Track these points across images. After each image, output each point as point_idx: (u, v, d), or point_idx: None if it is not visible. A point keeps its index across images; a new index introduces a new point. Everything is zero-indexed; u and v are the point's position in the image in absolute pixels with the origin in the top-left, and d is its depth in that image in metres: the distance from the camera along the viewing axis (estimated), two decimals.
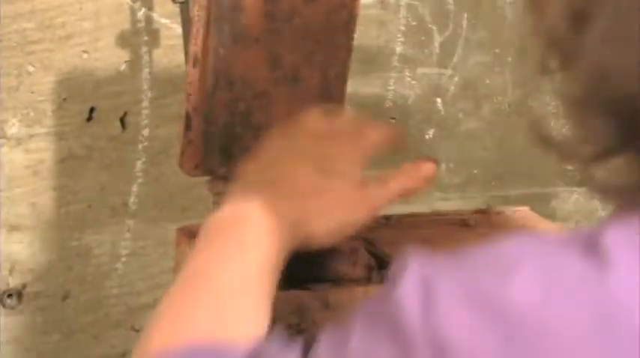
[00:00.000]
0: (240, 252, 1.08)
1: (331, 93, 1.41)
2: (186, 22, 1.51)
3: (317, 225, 1.10)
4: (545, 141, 0.83)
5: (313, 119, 1.16)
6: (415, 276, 0.76)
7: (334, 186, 1.10)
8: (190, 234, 1.33)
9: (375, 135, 1.16)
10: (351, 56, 1.35)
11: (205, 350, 0.99)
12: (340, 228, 1.11)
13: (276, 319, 1.15)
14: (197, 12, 1.25)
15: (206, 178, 1.42)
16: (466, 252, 0.80)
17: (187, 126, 1.30)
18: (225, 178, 1.39)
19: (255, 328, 1.05)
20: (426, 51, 2.03)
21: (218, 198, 1.40)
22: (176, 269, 1.35)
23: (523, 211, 1.37)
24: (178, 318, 1.04)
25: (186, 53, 1.43)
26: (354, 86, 1.98)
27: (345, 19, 1.30)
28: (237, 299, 1.05)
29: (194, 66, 1.29)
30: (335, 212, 1.11)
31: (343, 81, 1.40)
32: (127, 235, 1.86)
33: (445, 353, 0.73)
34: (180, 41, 1.80)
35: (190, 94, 1.29)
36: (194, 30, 1.28)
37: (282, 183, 1.11)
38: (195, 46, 1.28)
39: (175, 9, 1.77)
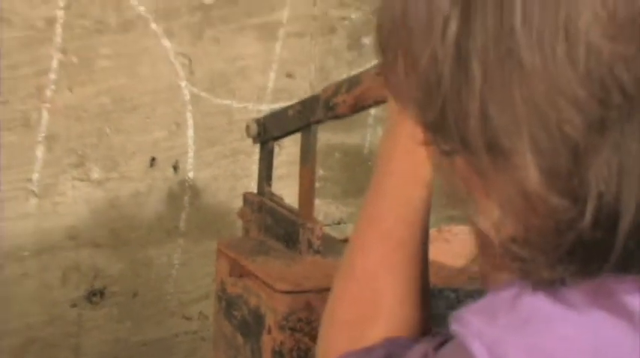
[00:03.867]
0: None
1: None
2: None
3: None
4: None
5: None
6: (480, 342, 0.67)
7: None
8: (225, 252, 1.35)
9: None
10: None
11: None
12: None
13: (290, 313, 1.20)
14: None
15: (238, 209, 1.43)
16: (499, 303, 0.69)
17: None
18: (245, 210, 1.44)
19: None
20: None
21: (246, 224, 1.42)
22: (216, 276, 1.38)
23: (459, 229, 1.33)
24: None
25: None
26: None
27: None
28: None
29: None
30: None
31: None
32: (179, 250, 1.87)
33: None
34: (215, 109, 1.84)
35: None
36: None
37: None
38: None
39: (212, 85, 1.83)
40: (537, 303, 0.67)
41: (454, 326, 0.69)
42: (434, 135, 0.69)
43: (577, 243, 0.65)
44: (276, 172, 1.43)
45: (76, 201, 1.75)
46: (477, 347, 0.65)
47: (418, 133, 0.80)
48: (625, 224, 0.64)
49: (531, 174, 0.63)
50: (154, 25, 1.73)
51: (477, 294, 1.20)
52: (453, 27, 0.64)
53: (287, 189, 1.44)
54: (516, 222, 0.66)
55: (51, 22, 1.64)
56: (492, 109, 0.64)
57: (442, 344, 0.75)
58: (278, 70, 1.86)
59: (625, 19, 0.61)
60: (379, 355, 0.83)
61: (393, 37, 0.70)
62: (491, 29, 0.63)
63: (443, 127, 0.67)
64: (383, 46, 0.72)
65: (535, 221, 0.65)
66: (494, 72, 0.63)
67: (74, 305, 1.79)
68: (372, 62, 1.74)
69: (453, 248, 1.17)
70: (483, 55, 0.64)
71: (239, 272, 1.29)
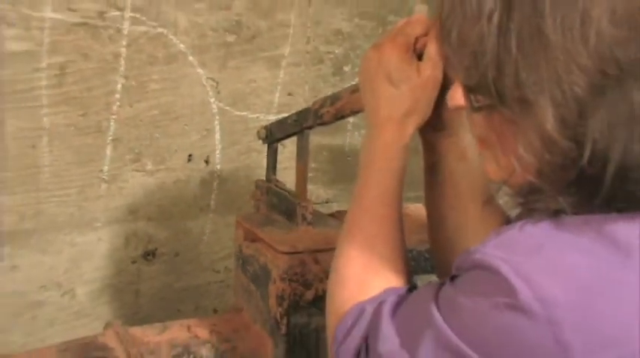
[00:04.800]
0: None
1: None
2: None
3: (413, 121, 0.85)
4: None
5: (370, 49, 0.88)
6: (507, 266, 0.64)
7: (402, 88, 0.85)
8: (242, 223, 1.34)
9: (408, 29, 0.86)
10: None
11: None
12: (427, 107, 0.86)
13: (288, 268, 1.18)
14: None
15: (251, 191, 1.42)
16: (512, 239, 0.67)
17: None
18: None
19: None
20: None
21: (257, 203, 1.41)
22: (235, 240, 1.36)
23: (419, 206, 1.25)
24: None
25: None
26: None
27: None
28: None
29: None
30: (416, 103, 0.85)
31: None
32: (209, 222, 1.87)
33: (551, 307, 0.62)
34: (235, 119, 1.83)
35: None
36: None
37: (379, 109, 0.86)
38: None
39: (233, 101, 1.81)
40: (545, 231, 0.65)
41: (474, 256, 0.67)
42: (476, 95, 0.69)
43: (577, 177, 0.65)
44: (280, 165, 1.42)
45: (134, 186, 1.76)
46: (505, 269, 0.64)
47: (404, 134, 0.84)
48: (612, 165, 0.63)
49: (549, 121, 0.63)
50: (191, 58, 1.73)
51: (425, 253, 1.22)
52: (497, 13, 0.65)
53: (288, 178, 1.43)
54: (534, 158, 0.66)
55: (117, 56, 1.65)
56: (523, 72, 0.64)
57: (453, 278, 0.71)
58: (281, 90, 1.86)
59: (624, 14, 0.62)
60: (392, 299, 0.78)
61: (450, 20, 0.70)
62: (527, 14, 0.63)
63: (485, 87, 0.67)
64: (442, 27, 0.72)
65: (548, 157, 0.65)
66: (527, 45, 0.64)
67: (134, 262, 1.81)
68: (350, 84, 1.70)
69: (408, 220, 1.11)
70: (519, 33, 0.64)
71: (252, 238, 1.29)
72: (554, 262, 0.63)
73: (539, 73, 0.63)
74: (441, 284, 0.72)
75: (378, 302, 0.78)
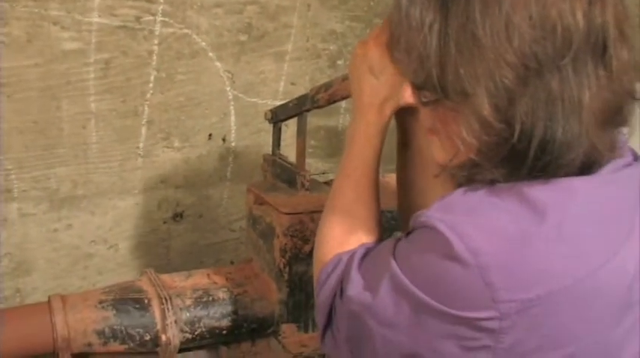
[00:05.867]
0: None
1: None
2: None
3: (390, 105, 0.83)
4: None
5: (356, 47, 0.86)
6: (444, 225, 0.65)
7: (381, 78, 0.83)
8: (252, 189, 1.34)
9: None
10: None
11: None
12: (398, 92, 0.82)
13: (289, 226, 1.18)
14: None
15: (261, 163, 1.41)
16: (451, 203, 0.67)
17: None
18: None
19: None
20: None
21: (264, 173, 1.41)
22: (247, 204, 1.36)
23: (392, 176, 1.19)
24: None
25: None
26: None
27: None
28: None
29: None
30: (392, 91, 0.82)
31: None
32: (226, 189, 1.87)
33: (479, 256, 0.63)
34: (247, 104, 1.82)
35: None
36: None
37: (363, 95, 0.85)
38: None
39: (245, 90, 1.81)
40: (478, 196, 0.66)
41: (421, 218, 0.68)
42: (422, 91, 0.69)
43: (508, 153, 0.65)
44: (283, 142, 1.44)
45: (165, 160, 1.77)
46: (442, 227, 0.65)
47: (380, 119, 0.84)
48: (536, 141, 0.63)
49: (485, 108, 0.63)
50: (210, 54, 1.73)
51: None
52: (437, 23, 0.65)
53: (290, 152, 1.43)
54: (474, 139, 0.66)
55: (150, 53, 1.66)
56: (462, 70, 0.64)
57: (408, 234, 0.71)
58: (285, 80, 1.85)
59: (538, 18, 0.62)
60: (361, 251, 0.78)
61: (398, 30, 0.70)
62: (462, 23, 0.64)
63: (430, 84, 0.67)
64: (392, 36, 0.72)
65: (485, 138, 0.65)
66: (464, 47, 0.63)
67: (165, 222, 1.83)
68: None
69: (388, 187, 1.10)
70: (457, 38, 0.64)
71: (260, 201, 1.30)
72: (483, 220, 0.64)
73: (475, 69, 0.64)
74: (399, 240, 0.73)
75: (351, 254, 0.80)
